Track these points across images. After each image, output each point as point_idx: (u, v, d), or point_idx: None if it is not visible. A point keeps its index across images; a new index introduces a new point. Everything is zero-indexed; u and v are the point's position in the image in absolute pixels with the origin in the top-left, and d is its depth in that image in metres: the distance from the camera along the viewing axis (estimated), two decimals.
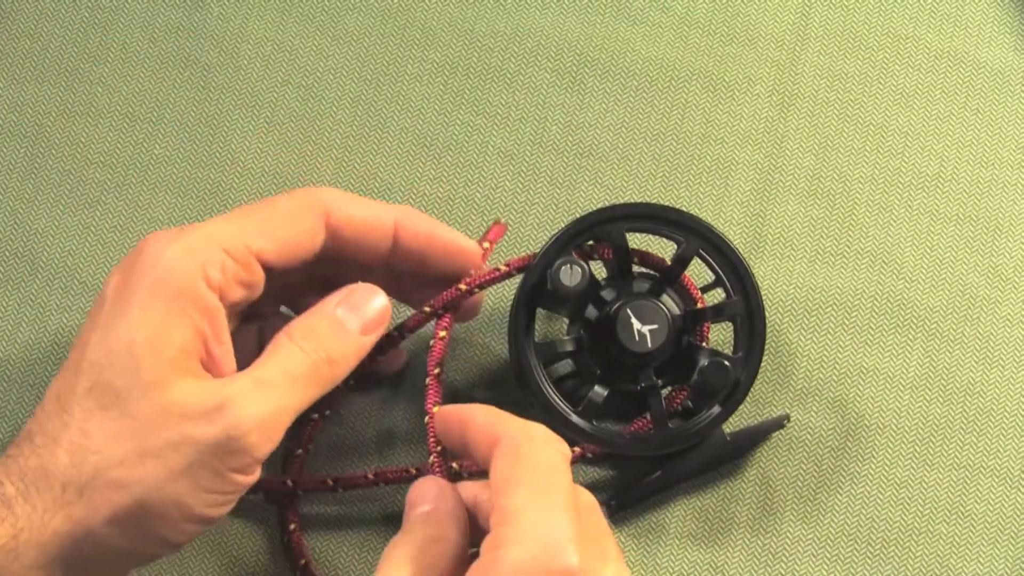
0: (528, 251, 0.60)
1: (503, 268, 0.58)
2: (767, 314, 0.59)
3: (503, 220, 0.61)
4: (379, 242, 0.55)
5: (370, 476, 0.59)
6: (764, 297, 0.59)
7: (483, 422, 0.50)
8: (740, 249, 0.59)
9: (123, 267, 0.51)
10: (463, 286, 0.58)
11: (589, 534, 0.48)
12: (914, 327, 0.64)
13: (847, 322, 0.64)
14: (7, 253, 0.64)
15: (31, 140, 0.65)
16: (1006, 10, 0.68)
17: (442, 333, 0.58)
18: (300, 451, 0.60)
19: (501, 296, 0.63)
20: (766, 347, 0.59)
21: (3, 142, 0.65)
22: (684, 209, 0.59)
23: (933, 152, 0.66)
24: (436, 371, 0.57)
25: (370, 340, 0.54)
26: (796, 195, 0.65)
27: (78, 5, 0.67)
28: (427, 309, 0.58)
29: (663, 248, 0.60)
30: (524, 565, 0.45)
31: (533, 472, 0.48)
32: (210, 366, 0.51)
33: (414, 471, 0.59)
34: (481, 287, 0.58)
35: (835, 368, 0.63)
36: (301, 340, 0.52)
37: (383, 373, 0.62)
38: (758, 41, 0.67)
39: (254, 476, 0.51)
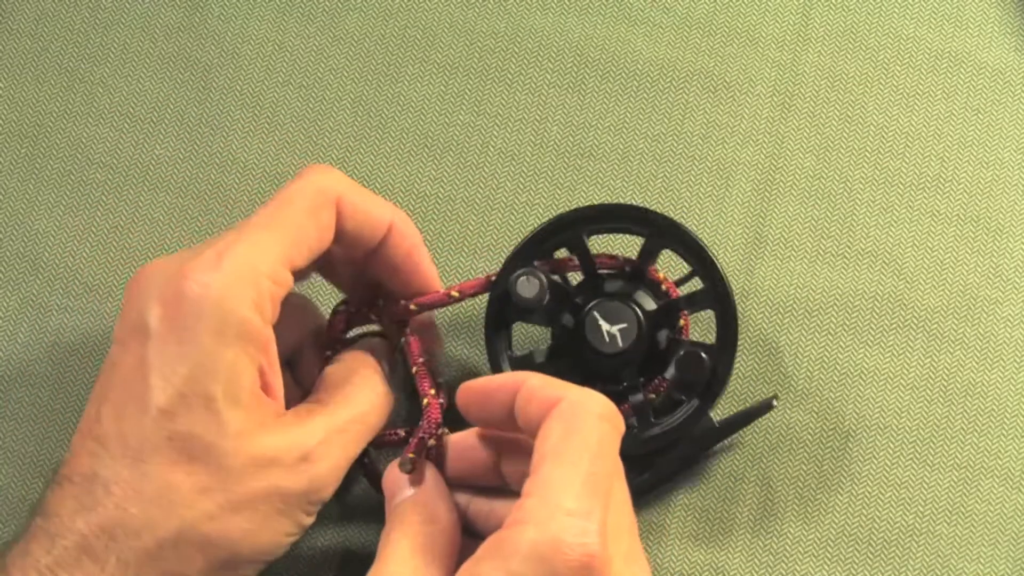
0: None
1: (455, 295, 0.58)
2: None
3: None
4: (371, 238, 0.55)
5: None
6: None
7: (538, 384, 0.50)
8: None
9: (164, 298, 0.49)
10: (412, 306, 0.57)
11: (619, 524, 0.48)
12: (915, 328, 0.64)
13: (847, 322, 0.64)
14: (8, 253, 0.64)
15: (31, 140, 0.65)
16: (1006, 10, 0.68)
17: (403, 339, 0.58)
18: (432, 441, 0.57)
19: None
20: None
21: (3, 142, 0.65)
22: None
23: (934, 152, 0.66)
24: (421, 360, 0.57)
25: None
26: (797, 195, 0.65)
27: (78, 5, 0.67)
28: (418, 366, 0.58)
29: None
30: (543, 548, 0.45)
31: (583, 448, 0.47)
32: (267, 393, 0.51)
33: (403, 433, 0.57)
34: (432, 307, 0.58)
35: (835, 368, 0.63)
36: (368, 389, 0.54)
37: None
38: (759, 41, 0.67)
39: (314, 517, 0.52)
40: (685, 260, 0.59)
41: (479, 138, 0.66)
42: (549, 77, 0.67)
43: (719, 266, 0.58)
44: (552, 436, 0.47)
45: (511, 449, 0.53)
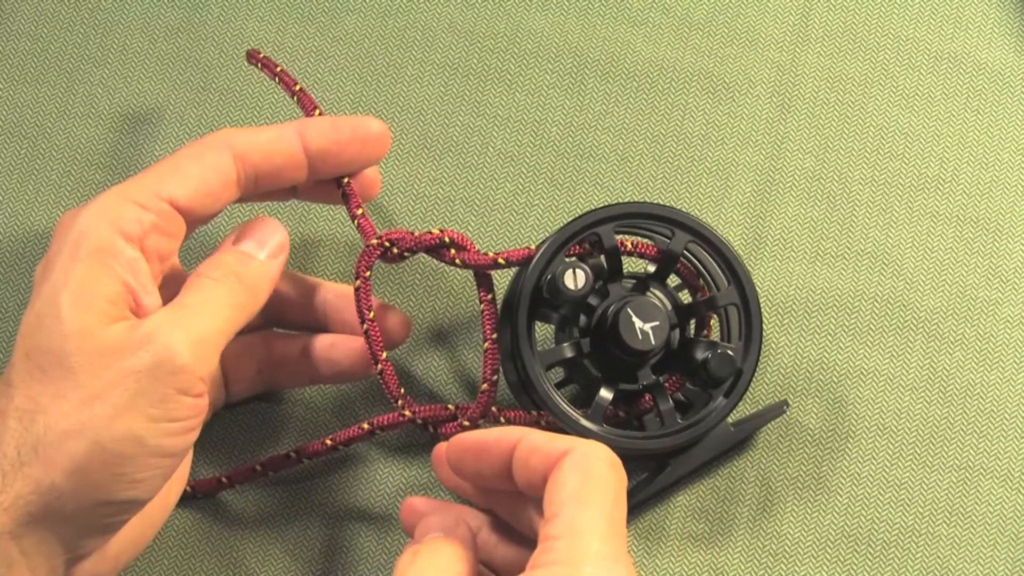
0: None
1: (501, 261, 0.58)
2: (768, 315, 0.59)
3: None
4: (291, 156, 0.56)
5: (365, 427, 0.59)
6: (764, 298, 0.59)
7: (541, 440, 0.50)
8: (735, 246, 0.59)
9: (46, 254, 0.53)
10: (458, 260, 0.57)
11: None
12: (914, 328, 0.64)
13: (847, 323, 0.64)
14: (7, 254, 0.64)
15: (31, 140, 0.65)
16: (1006, 11, 0.68)
17: (358, 283, 0.58)
18: (486, 385, 0.58)
19: (471, 308, 0.64)
20: (765, 348, 0.59)
21: (3, 142, 0.65)
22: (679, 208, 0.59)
23: (933, 153, 0.66)
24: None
25: (277, 264, 0.55)
26: (796, 196, 0.65)
27: (78, 6, 0.67)
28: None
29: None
30: None
31: (604, 493, 0.48)
32: (139, 315, 0.52)
33: (408, 415, 0.58)
34: (477, 267, 0.58)
35: (835, 369, 0.63)
36: (209, 272, 0.53)
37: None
38: (758, 43, 0.67)
39: (202, 399, 0.51)
40: (696, 265, 0.59)
41: (479, 139, 0.66)
42: (549, 78, 0.67)
43: (746, 269, 0.58)
44: (570, 482, 0.48)
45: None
